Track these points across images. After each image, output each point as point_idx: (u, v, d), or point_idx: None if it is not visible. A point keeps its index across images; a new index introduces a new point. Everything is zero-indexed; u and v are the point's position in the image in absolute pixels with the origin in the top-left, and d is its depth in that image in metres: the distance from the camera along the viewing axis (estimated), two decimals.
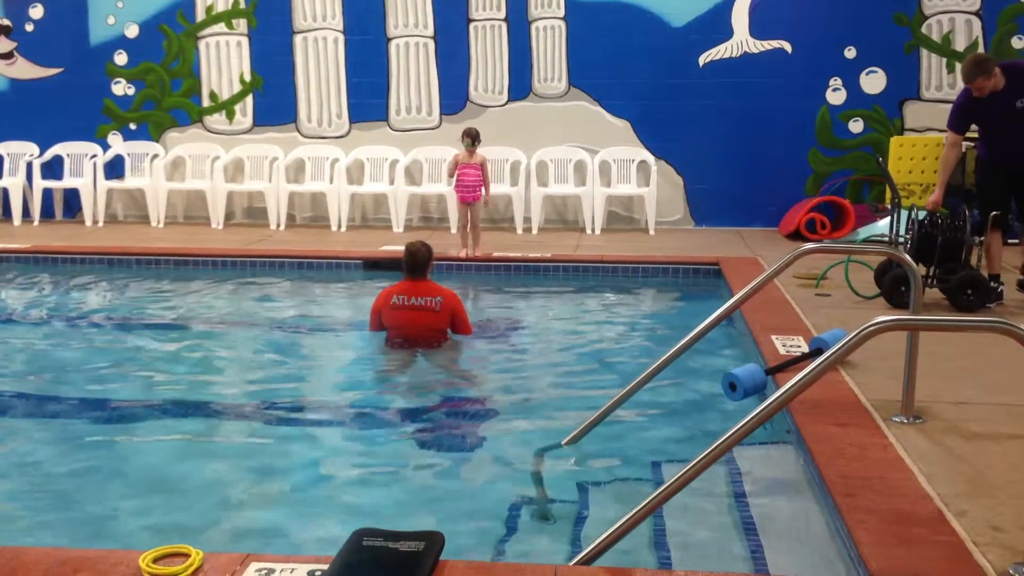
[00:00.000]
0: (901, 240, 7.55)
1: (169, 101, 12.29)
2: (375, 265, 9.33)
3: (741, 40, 11.37)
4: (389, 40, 11.92)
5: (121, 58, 12.24)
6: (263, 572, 2.93)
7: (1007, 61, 8.21)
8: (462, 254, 9.33)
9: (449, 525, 3.62)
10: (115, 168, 12.18)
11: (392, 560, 2.96)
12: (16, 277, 9.37)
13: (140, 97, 12.30)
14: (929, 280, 7.08)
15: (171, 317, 7.85)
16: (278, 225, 11.69)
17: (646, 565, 3.48)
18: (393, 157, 11.75)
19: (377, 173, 11.79)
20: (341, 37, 11.99)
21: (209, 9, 12.10)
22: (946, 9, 11.12)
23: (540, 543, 3.77)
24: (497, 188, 11.14)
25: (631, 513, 3.18)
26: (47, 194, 12.18)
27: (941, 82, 11.20)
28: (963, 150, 7.34)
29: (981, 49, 10.91)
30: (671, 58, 11.44)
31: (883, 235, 9.41)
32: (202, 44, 12.18)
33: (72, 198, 12.34)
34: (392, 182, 11.61)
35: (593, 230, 11.31)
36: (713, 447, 3.18)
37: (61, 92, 12.35)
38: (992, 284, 7.33)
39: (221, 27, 12.13)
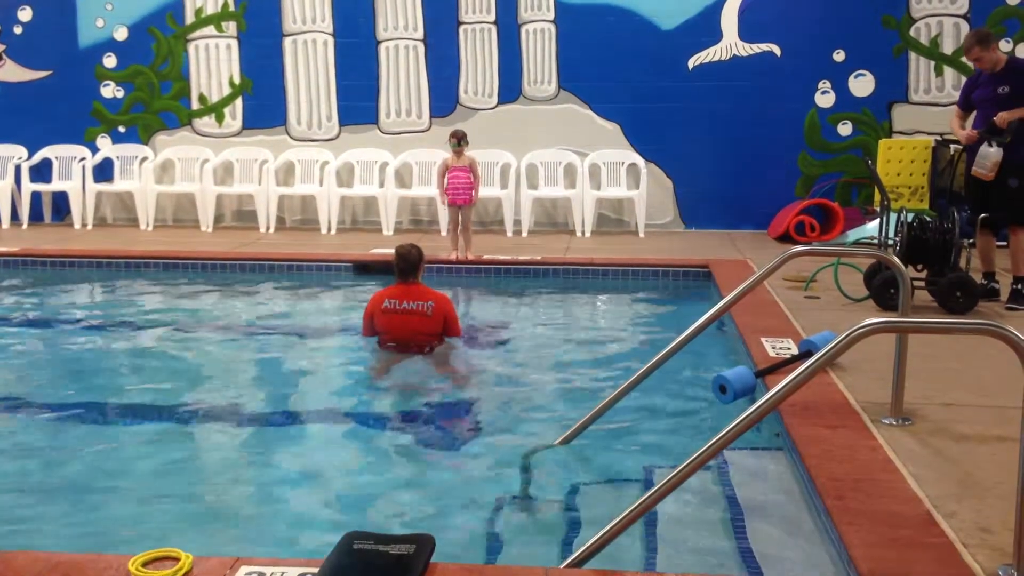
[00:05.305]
0: (890, 242, 7.57)
1: (158, 104, 12.27)
2: (365, 268, 9.33)
3: (730, 43, 11.40)
4: (379, 43, 11.92)
5: (110, 61, 12.21)
6: (253, 575, 2.92)
7: (1019, 57, 8.37)
8: (452, 257, 9.33)
9: (440, 527, 3.61)
10: (104, 171, 12.15)
11: (383, 563, 2.96)
12: (4, 280, 9.32)
13: (129, 100, 12.28)
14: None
15: (160, 320, 7.82)
16: (268, 228, 11.67)
17: (637, 567, 3.48)
18: (383, 160, 11.75)
19: (367, 176, 11.79)
20: (331, 40, 11.98)
21: (198, 12, 12.08)
22: (934, 12, 11.18)
23: (531, 545, 3.76)
24: (487, 191, 11.16)
25: (622, 515, 3.18)
26: (36, 197, 12.14)
27: (929, 85, 11.25)
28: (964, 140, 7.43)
29: None
30: (661, 61, 11.47)
31: (872, 237, 9.46)
32: (191, 47, 12.17)
33: (61, 201, 12.30)
34: (382, 185, 11.60)
35: (583, 233, 11.33)
36: (704, 449, 3.18)
37: (50, 95, 12.32)
38: (984, 282, 7.42)
39: (210, 30, 12.11)
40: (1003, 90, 7.24)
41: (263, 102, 12.14)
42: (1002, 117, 7.11)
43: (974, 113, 7.57)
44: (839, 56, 11.27)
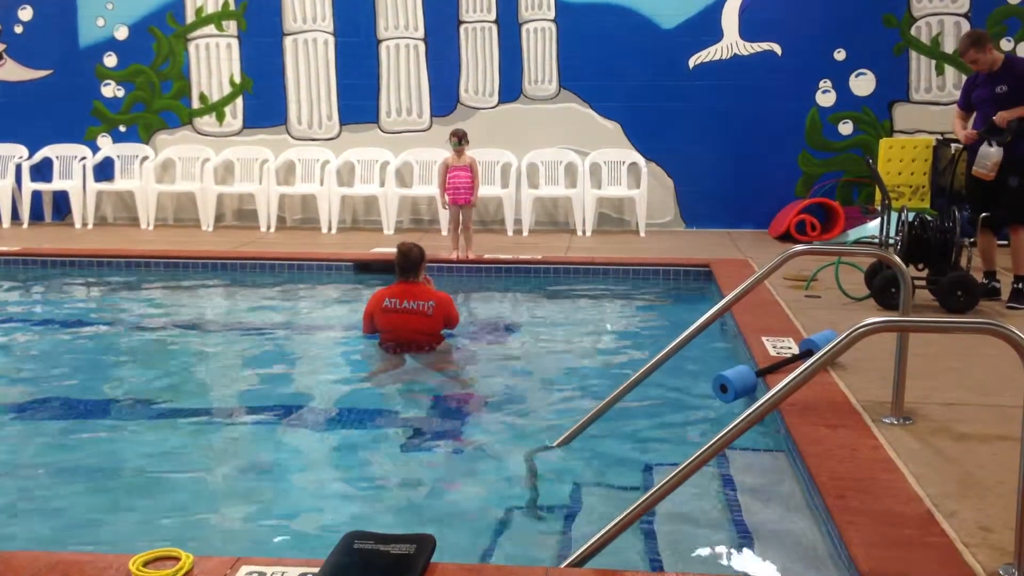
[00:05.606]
0: (891, 242, 7.57)
1: (159, 103, 12.27)
2: (366, 267, 9.33)
3: (731, 42, 11.39)
4: (379, 42, 11.92)
5: (111, 60, 12.21)
6: (253, 575, 2.92)
7: (1017, 56, 8.37)
8: (453, 256, 9.32)
9: (440, 527, 3.61)
10: (105, 170, 12.15)
11: (383, 563, 2.96)
12: (5, 280, 9.32)
13: (130, 99, 12.28)
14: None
15: (161, 320, 7.82)
16: (268, 227, 11.67)
17: (637, 567, 3.48)
18: (383, 159, 11.75)
19: (367, 175, 11.79)
20: (331, 39, 11.98)
21: (199, 11, 12.08)
22: (935, 11, 11.17)
23: (531, 545, 3.76)
24: (488, 190, 11.17)
25: (623, 515, 3.18)
26: (36, 196, 12.14)
27: (930, 84, 11.24)
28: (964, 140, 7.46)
29: None
30: (661, 60, 11.46)
31: (873, 237, 9.45)
32: (192, 46, 12.16)
33: (61, 200, 12.30)
34: (383, 184, 11.60)
35: (584, 232, 11.32)
36: (704, 449, 3.18)
37: (50, 94, 12.31)
38: (985, 281, 7.44)
39: (211, 29, 12.11)
40: (1001, 89, 7.25)
41: (264, 101, 12.14)
42: (1001, 116, 7.11)
43: (975, 113, 7.57)
44: (840, 55, 11.26)
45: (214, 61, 12.16)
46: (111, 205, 12.45)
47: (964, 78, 10.94)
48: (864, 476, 3.74)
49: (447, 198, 9.26)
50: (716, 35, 11.40)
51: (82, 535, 3.83)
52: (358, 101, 11.99)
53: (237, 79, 12.15)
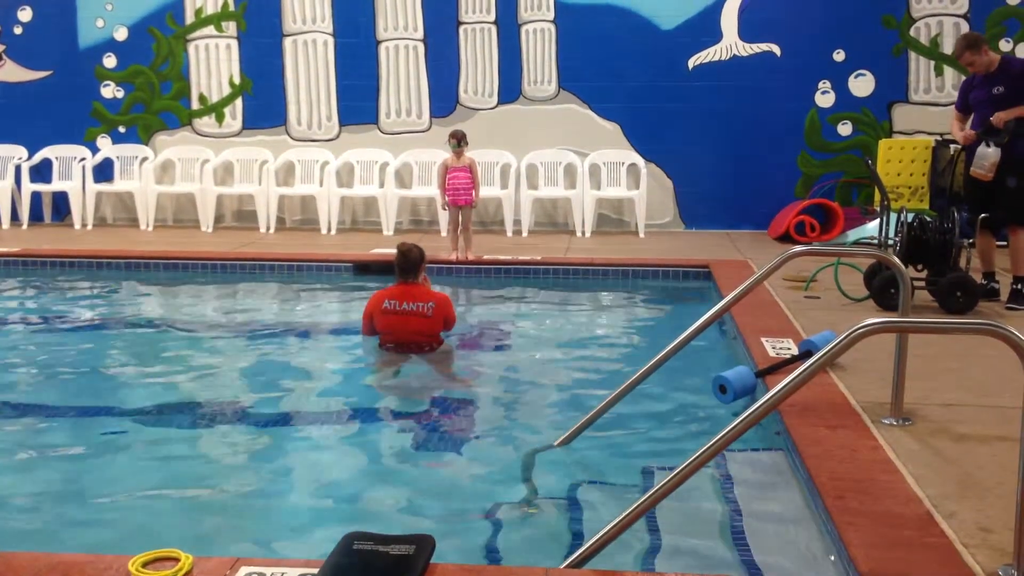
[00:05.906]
0: (890, 242, 7.58)
1: (158, 104, 12.27)
2: (365, 268, 9.33)
3: (730, 43, 11.40)
4: (379, 43, 11.92)
5: (110, 61, 12.21)
6: (253, 575, 2.92)
7: (1014, 56, 8.40)
8: (452, 257, 9.32)
9: (440, 528, 3.61)
10: (104, 171, 12.15)
11: (382, 563, 2.96)
12: (4, 281, 9.32)
13: (129, 100, 12.28)
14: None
15: (160, 321, 7.82)
16: (268, 228, 11.67)
17: (637, 567, 3.48)
18: (383, 160, 11.75)
19: (367, 176, 11.79)
20: (331, 40, 11.99)
21: (198, 12, 12.08)
22: (934, 12, 11.18)
23: (531, 545, 3.76)
24: (487, 191, 11.16)
25: (622, 515, 3.18)
26: (36, 197, 12.14)
27: (929, 85, 11.25)
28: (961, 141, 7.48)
29: None
30: (660, 61, 11.47)
31: (872, 237, 9.45)
32: (191, 47, 12.17)
33: (61, 201, 12.30)
34: (382, 185, 11.61)
35: (583, 233, 11.33)
36: (704, 449, 3.18)
37: (50, 95, 12.32)
38: (984, 282, 7.45)
39: (210, 30, 12.11)
40: (998, 91, 7.27)
41: (263, 102, 12.14)
42: (999, 117, 7.13)
43: (973, 114, 7.59)
44: (839, 56, 11.27)
45: (213, 62, 12.16)
46: (110, 206, 12.45)
47: (963, 79, 10.98)
48: (863, 477, 3.74)
49: (447, 199, 9.26)
50: (715, 36, 11.41)
51: (82, 535, 3.83)
52: (357, 102, 12.00)
53: (236, 80, 12.16)
